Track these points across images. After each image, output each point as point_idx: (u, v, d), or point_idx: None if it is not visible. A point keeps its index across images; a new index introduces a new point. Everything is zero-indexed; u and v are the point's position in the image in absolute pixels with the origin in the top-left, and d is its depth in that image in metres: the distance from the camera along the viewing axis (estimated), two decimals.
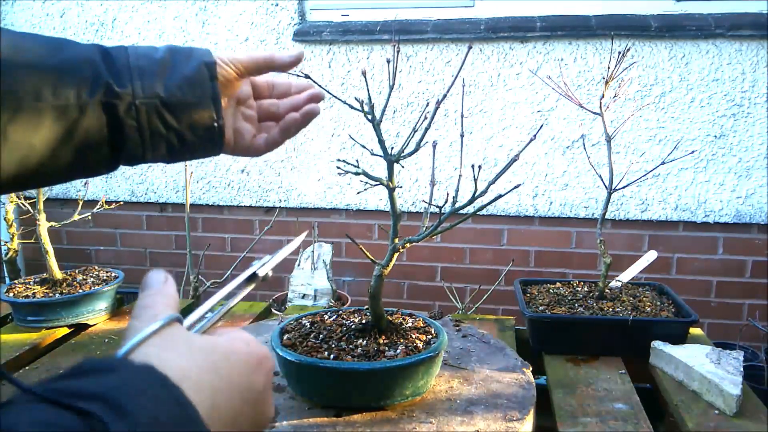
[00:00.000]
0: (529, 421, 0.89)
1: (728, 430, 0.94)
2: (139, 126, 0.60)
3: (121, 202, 2.18)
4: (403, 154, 0.86)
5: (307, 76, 0.81)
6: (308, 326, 1.00)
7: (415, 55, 2.40)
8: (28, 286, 1.45)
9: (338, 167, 0.89)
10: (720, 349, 1.13)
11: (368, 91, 0.83)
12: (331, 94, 0.74)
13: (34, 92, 0.54)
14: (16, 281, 1.48)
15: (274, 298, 1.98)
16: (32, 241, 1.58)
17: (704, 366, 1.05)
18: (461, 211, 0.88)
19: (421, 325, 1.01)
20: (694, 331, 1.28)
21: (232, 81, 0.66)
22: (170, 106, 0.60)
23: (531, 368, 1.05)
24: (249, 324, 1.36)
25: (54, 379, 0.32)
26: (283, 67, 0.70)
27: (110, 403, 0.30)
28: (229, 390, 0.39)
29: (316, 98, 0.75)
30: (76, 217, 1.61)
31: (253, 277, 0.54)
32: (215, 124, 0.63)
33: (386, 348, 0.91)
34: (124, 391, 0.31)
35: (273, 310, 1.65)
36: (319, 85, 0.77)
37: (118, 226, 2.80)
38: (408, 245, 0.92)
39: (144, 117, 0.60)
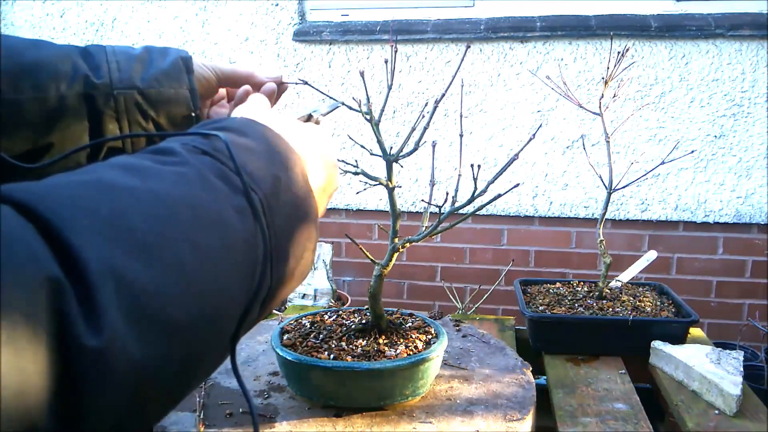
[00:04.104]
0: (529, 421, 0.89)
1: (728, 430, 0.94)
2: (118, 117, 0.61)
3: None
4: (402, 154, 0.86)
5: (305, 83, 0.82)
6: (308, 326, 1.00)
7: (415, 55, 2.40)
8: None
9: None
10: (720, 349, 1.13)
11: (366, 91, 0.83)
12: (330, 97, 0.74)
13: (14, 85, 0.54)
14: None
15: None
16: None
17: (704, 366, 1.05)
18: (461, 211, 0.88)
19: (421, 325, 1.01)
20: (694, 331, 1.28)
21: (212, 84, 0.69)
22: (148, 97, 0.62)
23: (531, 368, 1.05)
24: None
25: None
26: (261, 85, 0.73)
27: (228, 130, 0.43)
28: (303, 138, 0.52)
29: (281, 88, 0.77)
30: None
31: (309, 118, 0.68)
32: (192, 114, 0.65)
33: (386, 348, 0.91)
34: (236, 123, 0.45)
35: (273, 310, 1.65)
36: (320, 91, 0.77)
37: None
38: (408, 245, 0.92)
39: (122, 108, 0.61)
